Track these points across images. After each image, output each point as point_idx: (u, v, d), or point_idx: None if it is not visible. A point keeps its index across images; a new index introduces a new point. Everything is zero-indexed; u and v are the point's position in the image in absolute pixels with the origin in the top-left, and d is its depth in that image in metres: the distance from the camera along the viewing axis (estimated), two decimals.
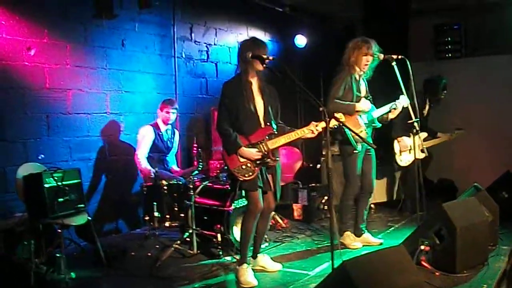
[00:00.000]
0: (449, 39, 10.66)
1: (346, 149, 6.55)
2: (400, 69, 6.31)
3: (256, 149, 5.38)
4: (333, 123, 5.21)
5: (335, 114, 5.19)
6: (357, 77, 6.56)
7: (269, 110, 5.55)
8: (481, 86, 9.71)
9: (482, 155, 8.35)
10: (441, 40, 10.75)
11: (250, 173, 5.35)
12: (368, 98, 6.65)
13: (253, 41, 5.56)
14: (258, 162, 5.39)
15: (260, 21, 10.60)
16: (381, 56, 6.44)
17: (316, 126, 5.37)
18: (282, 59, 10.11)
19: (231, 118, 5.43)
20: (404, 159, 8.09)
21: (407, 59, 6.31)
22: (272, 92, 5.67)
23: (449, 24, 10.64)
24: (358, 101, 6.50)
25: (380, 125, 6.69)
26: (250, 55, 5.27)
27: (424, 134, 8.00)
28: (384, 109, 6.65)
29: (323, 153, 9.29)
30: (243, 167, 5.35)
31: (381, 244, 6.70)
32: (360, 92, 6.56)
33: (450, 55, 10.68)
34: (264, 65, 5.26)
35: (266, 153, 5.40)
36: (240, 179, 5.35)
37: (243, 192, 5.71)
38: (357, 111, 6.48)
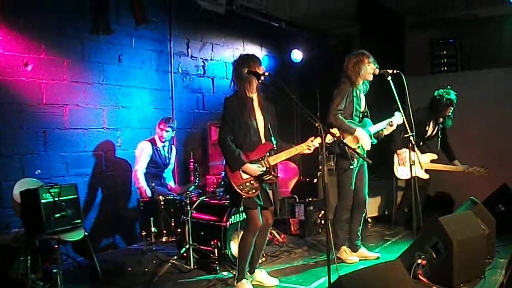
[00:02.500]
0: (444, 53, 10.70)
1: (342, 164, 6.54)
2: (396, 83, 6.33)
3: (259, 165, 5.39)
4: (329, 138, 5.17)
5: (331, 130, 5.21)
6: (358, 92, 6.56)
7: (268, 126, 5.56)
8: (477, 99, 9.73)
9: None
10: (437, 54, 10.78)
11: (254, 190, 5.36)
12: (366, 113, 6.67)
13: (247, 57, 5.58)
14: (260, 179, 5.39)
15: (257, 36, 10.65)
16: (377, 70, 6.46)
17: (312, 141, 5.37)
18: (278, 73, 10.19)
19: (233, 134, 5.43)
20: (401, 171, 8.02)
21: (403, 73, 6.32)
22: (270, 109, 5.67)
23: (444, 38, 10.69)
24: (357, 115, 6.55)
25: (376, 141, 6.69)
26: (246, 71, 5.31)
27: (432, 156, 7.97)
28: (381, 125, 6.66)
29: (320, 167, 9.29)
30: (247, 184, 5.36)
31: (378, 258, 6.69)
32: (359, 107, 6.57)
33: (445, 69, 10.71)
34: (260, 81, 5.31)
35: (268, 169, 5.42)
36: (244, 196, 5.33)
37: (241, 208, 5.66)
38: (355, 136, 6.49)
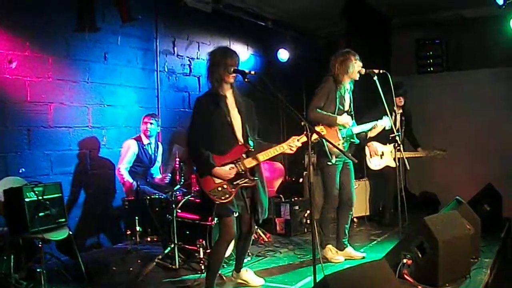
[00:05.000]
0: (431, 53, 10.74)
1: (322, 161, 6.54)
2: (382, 83, 6.34)
3: (231, 168, 5.04)
4: (314, 137, 5.01)
5: (316, 128, 5.11)
6: (342, 91, 6.55)
7: (246, 126, 5.24)
8: (462, 100, 9.79)
9: (464, 168, 8.41)
10: (423, 55, 10.82)
11: (227, 195, 4.99)
12: (351, 113, 6.67)
13: (224, 51, 5.26)
14: (234, 183, 5.05)
15: (243, 35, 10.62)
16: (363, 70, 6.46)
17: (298, 140, 5.18)
18: (264, 73, 10.16)
19: (204, 136, 5.05)
20: (373, 162, 8.23)
21: (389, 73, 6.34)
22: (248, 105, 5.39)
23: (431, 39, 10.73)
24: (340, 114, 6.52)
25: (359, 141, 6.73)
26: (232, 69, 5.04)
27: None
28: (366, 126, 6.70)
29: (306, 167, 9.30)
30: (219, 189, 4.99)
31: (363, 258, 6.69)
32: (343, 106, 6.56)
33: (431, 69, 10.75)
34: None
35: (243, 172, 5.10)
36: (217, 202, 4.98)
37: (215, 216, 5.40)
38: (338, 125, 6.50)
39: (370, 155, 8.27)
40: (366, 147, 8.32)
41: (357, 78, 6.54)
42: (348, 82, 6.56)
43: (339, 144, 6.40)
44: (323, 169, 6.59)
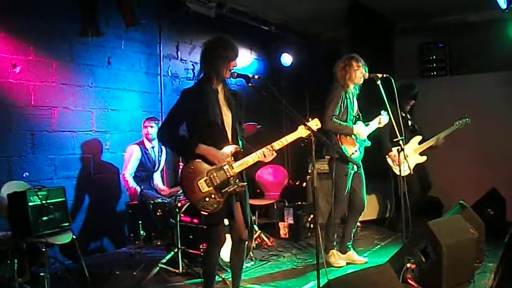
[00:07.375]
0: (434, 57, 10.71)
1: (341, 169, 6.50)
2: (386, 87, 6.34)
3: (222, 172, 4.66)
4: (306, 133, 4.82)
5: (309, 123, 4.81)
6: (350, 96, 6.56)
7: (236, 125, 4.83)
8: (466, 104, 9.75)
9: (467, 172, 8.39)
10: (426, 59, 10.79)
11: (215, 205, 4.59)
12: (358, 116, 6.68)
13: (224, 41, 4.90)
14: (223, 191, 4.62)
15: (246, 39, 10.61)
16: (366, 75, 6.47)
17: (272, 149, 4.82)
18: (268, 77, 10.16)
19: (188, 131, 4.81)
20: (402, 168, 8.13)
21: (392, 77, 6.33)
22: (238, 99, 4.95)
23: (434, 42, 10.71)
24: (353, 120, 6.56)
25: (370, 143, 6.71)
26: (236, 75, 4.73)
27: (418, 138, 8.20)
28: (373, 125, 6.68)
29: (309, 171, 9.29)
30: (207, 199, 4.58)
31: (365, 263, 6.67)
32: (353, 111, 6.58)
33: (435, 73, 10.73)
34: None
35: (231, 177, 4.68)
36: (204, 213, 4.62)
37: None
38: (352, 140, 6.52)
39: (394, 164, 8.13)
40: (387, 158, 8.11)
41: (360, 83, 6.54)
42: (352, 87, 6.57)
43: (356, 151, 6.49)
44: (339, 176, 6.55)
